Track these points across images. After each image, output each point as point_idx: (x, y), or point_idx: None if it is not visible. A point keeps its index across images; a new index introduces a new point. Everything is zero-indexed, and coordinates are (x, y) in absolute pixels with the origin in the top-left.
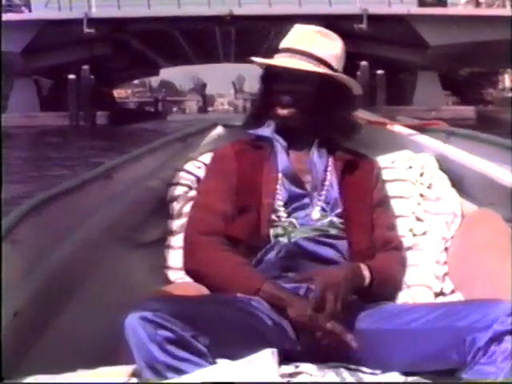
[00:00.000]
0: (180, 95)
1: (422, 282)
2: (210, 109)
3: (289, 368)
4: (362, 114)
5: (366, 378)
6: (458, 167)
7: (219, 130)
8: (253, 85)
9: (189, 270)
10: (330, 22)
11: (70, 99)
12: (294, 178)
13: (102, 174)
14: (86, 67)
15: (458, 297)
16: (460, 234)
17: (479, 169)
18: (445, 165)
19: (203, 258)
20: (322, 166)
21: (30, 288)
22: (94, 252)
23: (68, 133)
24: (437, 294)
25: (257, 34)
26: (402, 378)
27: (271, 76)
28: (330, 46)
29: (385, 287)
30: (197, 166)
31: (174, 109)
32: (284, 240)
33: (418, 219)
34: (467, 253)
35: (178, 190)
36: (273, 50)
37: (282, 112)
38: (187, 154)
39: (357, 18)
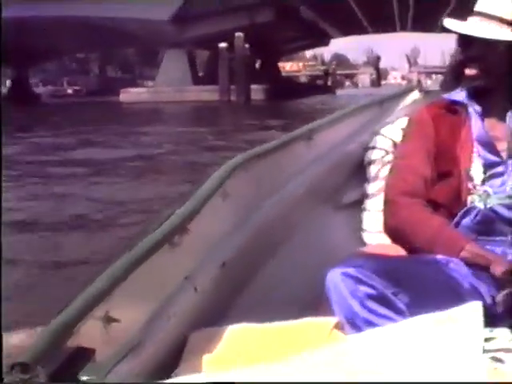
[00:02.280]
0: (353, 68)
1: None
2: (383, 82)
3: (483, 333)
4: None
5: None
6: None
7: (415, 94)
8: (428, 57)
9: (390, 229)
10: None
11: (220, 71)
12: (489, 145)
13: (303, 134)
14: (239, 34)
15: None
16: None
17: None
18: None
19: (406, 216)
20: None
21: (238, 240)
22: (296, 211)
23: (219, 108)
24: None
25: None
26: None
27: (463, 39)
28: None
29: None
30: (393, 130)
31: (347, 83)
32: (480, 206)
33: None
34: None
35: (375, 154)
36: (457, 14)
37: (471, 72)
38: (384, 118)
39: None
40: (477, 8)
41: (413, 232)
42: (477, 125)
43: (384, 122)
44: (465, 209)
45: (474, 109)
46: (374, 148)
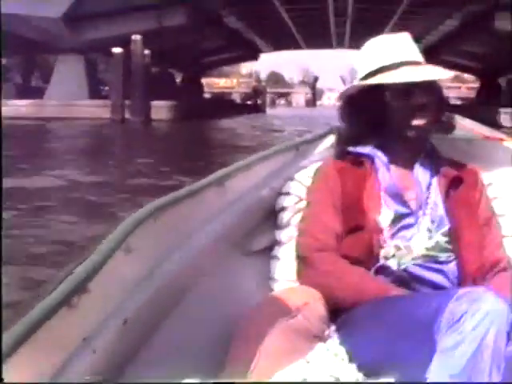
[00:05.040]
0: (288, 87)
1: None
2: (318, 103)
3: None
4: (477, 128)
5: None
6: None
7: (332, 138)
8: None
9: (312, 285)
10: None
11: (113, 82)
12: (398, 196)
13: (214, 181)
14: (136, 38)
15: None
16: None
17: None
18: None
19: (327, 269)
20: (426, 182)
21: (142, 295)
22: (204, 260)
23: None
24: None
25: (379, 10)
26: None
27: (404, 90)
28: (416, 48)
29: None
30: (308, 176)
31: (282, 101)
32: (393, 264)
33: None
34: None
35: (288, 200)
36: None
37: (421, 122)
38: (299, 162)
39: None
40: (398, 59)
41: (339, 282)
42: (384, 176)
43: (299, 167)
44: (378, 265)
45: (380, 160)
46: (287, 194)
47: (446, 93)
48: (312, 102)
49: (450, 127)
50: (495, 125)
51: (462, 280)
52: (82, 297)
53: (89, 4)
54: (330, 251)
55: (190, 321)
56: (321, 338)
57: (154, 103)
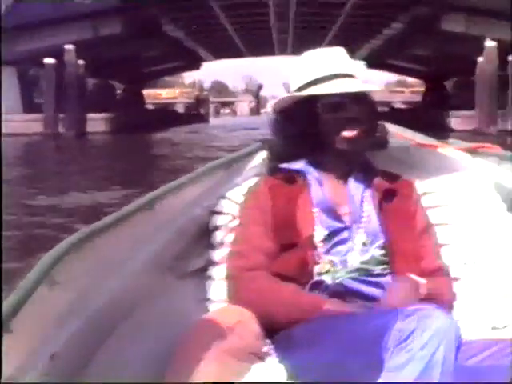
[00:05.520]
0: (232, 96)
1: (473, 316)
2: (262, 111)
3: None
4: (411, 136)
5: None
6: None
7: (263, 154)
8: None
9: (241, 303)
10: None
11: (45, 94)
12: (331, 212)
13: (144, 205)
14: (69, 47)
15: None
16: None
17: None
18: (499, 189)
19: (257, 288)
20: (360, 196)
21: (70, 327)
22: (137, 285)
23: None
24: (489, 329)
25: (321, 15)
26: None
27: (337, 102)
28: (350, 62)
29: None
30: (241, 193)
31: (227, 110)
32: (328, 279)
33: (468, 247)
34: None
35: (221, 219)
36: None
37: (351, 134)
38: (232, 180)
39: None
40: (331, 71)
41: (270, 300)
42: (317, 192)
43: (232, 184)
44: (312, 281)
45: (312, 176)
46: (220, 213)
47: (390, 97)
48: (256, 110)
49: (383, 143)
50: (446, 128)
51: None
52: (6, 337)
53: (21, 14)
54: (261, 270)
55: (126, 349)
56: (259, 356)
57: (90, 116)
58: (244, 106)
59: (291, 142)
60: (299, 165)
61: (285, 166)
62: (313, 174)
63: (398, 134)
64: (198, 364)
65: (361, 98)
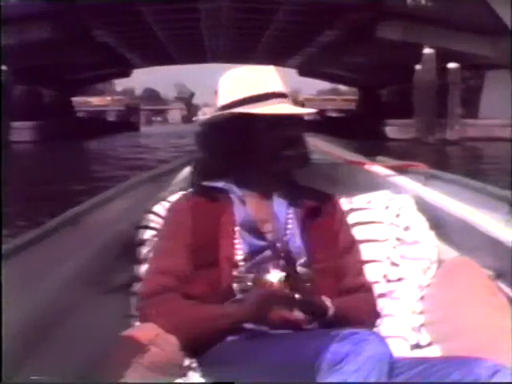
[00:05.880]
0: (164, 104)
1: (398, 334)
2: (194, 118)
3: None
4: (339, 152)
5: None
6: (436, 210)
7: (191, 167)
8: None
9: (159, 325)
10: None
11: None
12: (253, 230)
13: (68, 220)
14: None
15: (435, 350)
16: (437, 283)
17: (459, 213)
18: (423, 207)
19: (163, 312)
20: (284, 213)
21: None
22: (60, 303)
23: None
24: (413, 347)
25: (254, 21)
26: None
27: (264, 122)
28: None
29: (350, 322)
30: (166, 208)
31: (158, 118)
32: None
33: (394, 264)
34: (445, 304)
35: (146, 234)
36: (270, 53)
37: (290, 154)
38: (157, 194)
39: None
40: (267, 89)
41: (178, 323)
42: (239, 210)
43: (157, 199)
44: (234, 299)
45: (235, 194)
46: (145, 227)
47: (323, 105)
48: (188, 118)
49: (307, 160)
50: (383, 137)
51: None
52: None
53: None
54: (171, 292)
55: (47, 364)
56: (182, 367)
57: (15, 124)
58: (176, 113)
59: (217, 158)
60: (223, 183)
61: (207, 184)
62: (236, 192)
63: (326, 150)
64: (119, 380)
65: (297, 118)
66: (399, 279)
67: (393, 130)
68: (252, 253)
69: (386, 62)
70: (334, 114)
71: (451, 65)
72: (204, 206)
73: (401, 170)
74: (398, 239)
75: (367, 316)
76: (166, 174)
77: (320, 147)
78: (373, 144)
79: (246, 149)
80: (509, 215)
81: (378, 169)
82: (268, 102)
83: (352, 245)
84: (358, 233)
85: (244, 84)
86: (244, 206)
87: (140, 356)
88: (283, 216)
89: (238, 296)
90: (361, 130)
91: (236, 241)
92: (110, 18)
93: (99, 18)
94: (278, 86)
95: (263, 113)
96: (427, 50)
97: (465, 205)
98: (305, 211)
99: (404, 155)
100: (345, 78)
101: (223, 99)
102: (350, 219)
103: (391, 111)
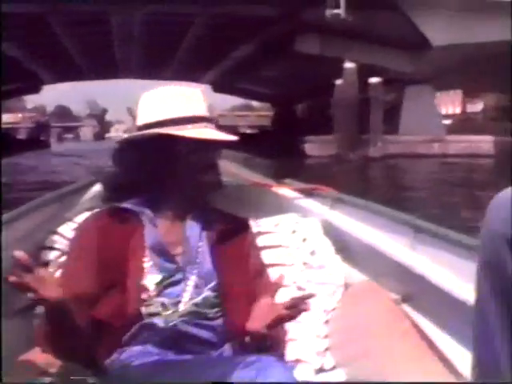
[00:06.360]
0: (75, 120)
1: (302, 358)
2: (106, 135)
3: None
4: (248, 175)
5: None
6: (343, 234)
7: (97, 187)
8: None
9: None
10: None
11: None
12: (164, 253)
13: None
14: None
15: (339, 374)
16: (343, 307)
17: (365, 238)
18: (330, 231)
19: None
20: (196, 236)
21: None
22: None
23: None
24: (317, 371)
25: (167, 35)
26: None
27: (188, 145)
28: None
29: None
30: (72, 228)
31: (70, 135)
32: (160, 322)
33: (300, 288)
34: (351, 327)
35: (52, 255)
36: (184, 68)
37: (212, 179)
38: (63, 214)
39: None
40: (191, 112)
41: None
42: (150, 232)
43: (63, 219)
44: (143, 322)
45: (147, 216)
46: (50, 248)
47: (236, 121)
48: (100, 135)
49: (219, 183)
50: (301, 154)
51: (232, 334)
52: None
53: None
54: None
55: None
56: None
57: None
58: (88, 130)
59: (132, 178)
60: (134, 204)
61: (118, 205)
62: (147, 213)
63: (234, 172)
64: None
65: (218, 145)
66: (306, 303)
67: (312, 146)
68: (162, 276)
69: (303, 76)
70: (248, 131)
71: (373, 79)
72: (113, 227)
73: (308, 193)
74: (304, 263)
75: (277, 340)
76: (72, 193)
77: (228, 169)
78: (289, 161)
79: (164, 171)
80: (413, 240)
81: (285, 191)
82: (192, 126)
83: (262, 268)
84: (265, 257)
85: (169, 105)
86: (155, 228)
87: (39, 379)
88: (195, 239)
89: (147, 320)
90: (277, 146)
91: (145, 264)
92: (16, 30)
93: (5, 30)
94: (203, 110)
95: (187, 136)
96: (348, 64)
97: (371, 229)
98: (217, 235)
99: (324, 173)
100: (260, 94)
101: (145, 118)
102: (259, 242)
103: (308, 127)
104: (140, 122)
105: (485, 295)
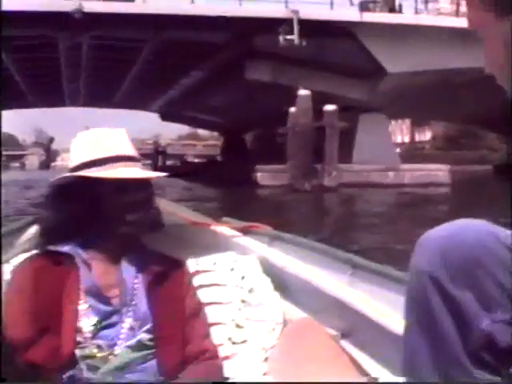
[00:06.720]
0: (22, 149)
1: None
2: (52, 164)
3: None
4: (185, 214)
5: None
6: (281, 272)
7: (34, 228)
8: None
9: None
10: (241, 27)
11: None
12: (99, 295)
13: None
14: None
15: None
16: (282, 344)
17: (303, 275)
18: (268, 269)
19: None
20: (131, 278)
21: None
22: None
23: None
24: None
25: (117, 62)
26: None
27: (110, 185)
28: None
29: None
30: (8, 271)
31: (17, 164)
32: (96, 364)
33: (238, 326)
34: (289, 365)
35: None
36: (132, 96)
37: (135, 218)
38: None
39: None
40: (115, 152)
41: None
42: (85, 275)
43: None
44: (78, 366)
45: (81, 258)
46: None
47: (182, 150)
48: (46, 164)
49: (159, 224)
50: (252, 184)
51: (163, 374)
52: None
53: None
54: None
55: None
56: None
57: None
58: (34, 159)
59: (64, 221)
60: (68, 246)
61: (52, 247)
62: (82, 256)
63: (173, 211)
64: None
65: (143, 182)
66: (243, 341)
67: (265, 176)
68: (98, 318)
69: (254, 104)
70: (195, 160)
71: (328, 107)
72: (48, 270)
73: (246, 232)
74: (242, 301)
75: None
76: (7, 234)
77: (165, 208)
78: (240, 191)
79: (91, 212)
80: (352, 277)
81: (223, 229)
82: (116, 165)
83: (198, 309)
84: (202, 295)
85: (93, 146)
86: (90, 270)
87: None
88: (131, 281)
89: (83, 363)
90: (226, 175)
91: (81, 306)
92: None
93: None
94: (127, 150)
95: (109, 177)
96: (302, 92)
97: (309, 266)
98: (152, 277)
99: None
100: (209, 122)
101: (73, 161)
102: (196, 281)
103: (259, 156)
104: (70, 165)
105: (411, 327)
